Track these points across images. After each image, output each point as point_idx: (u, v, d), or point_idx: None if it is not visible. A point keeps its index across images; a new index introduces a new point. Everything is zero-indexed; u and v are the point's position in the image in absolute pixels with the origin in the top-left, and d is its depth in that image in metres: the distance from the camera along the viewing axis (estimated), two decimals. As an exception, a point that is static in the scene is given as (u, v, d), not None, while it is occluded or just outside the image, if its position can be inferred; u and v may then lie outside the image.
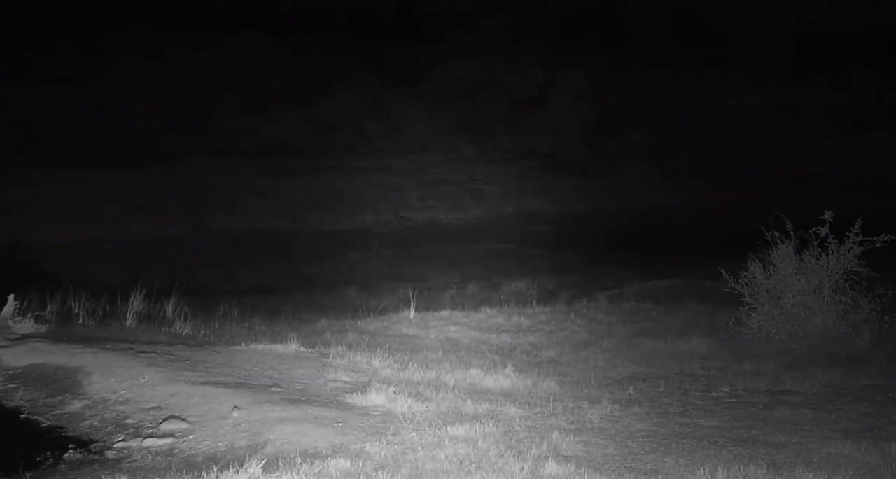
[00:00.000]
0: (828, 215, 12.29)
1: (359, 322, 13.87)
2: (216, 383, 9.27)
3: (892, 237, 12.23)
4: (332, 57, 47.34)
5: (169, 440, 7.94)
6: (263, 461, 6.92)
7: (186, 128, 40.62)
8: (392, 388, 9.28)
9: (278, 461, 6.99)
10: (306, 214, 34.15)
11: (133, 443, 7.94)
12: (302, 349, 11.19)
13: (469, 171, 41.99)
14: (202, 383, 9.24)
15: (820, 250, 12.55)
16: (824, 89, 48.48)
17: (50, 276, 17.70)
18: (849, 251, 12.43)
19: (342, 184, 37.61)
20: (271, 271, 24.82)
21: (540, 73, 48.68)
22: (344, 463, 7.00)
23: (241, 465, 6.84)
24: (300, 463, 6.94)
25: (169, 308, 13.75)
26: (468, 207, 37.75)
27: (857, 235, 12.39)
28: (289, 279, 23.02)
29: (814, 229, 12.50)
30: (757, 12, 50.25)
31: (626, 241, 29.32)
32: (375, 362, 10.60)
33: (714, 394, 10.04)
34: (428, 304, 15.99)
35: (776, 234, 12.67)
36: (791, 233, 12.66)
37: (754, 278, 12.76)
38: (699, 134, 45.60)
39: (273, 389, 9.32)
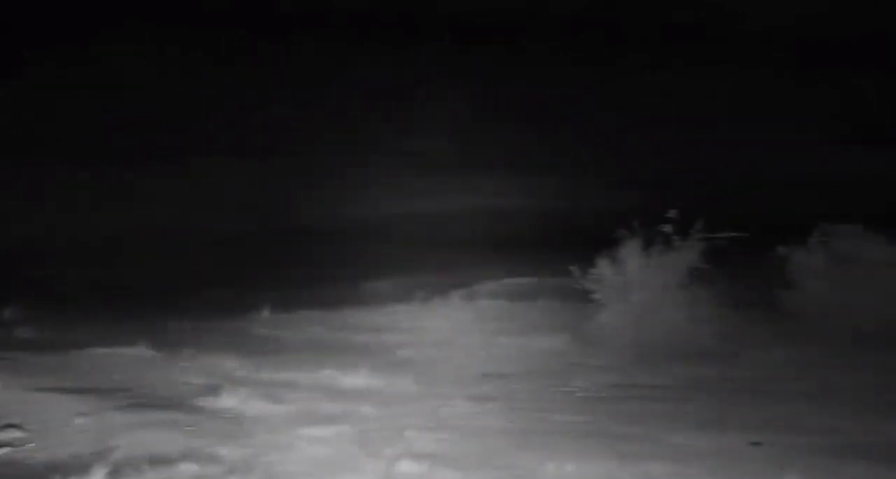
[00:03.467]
0: (673, 213, 12.74)
1: (213, 323, 13.61)
2: (60, 390, 8.94)
3: (733, 235, 12.75)
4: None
5: (5, 450, 7.55)
6: (108, 469, 6.68)
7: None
8: (245, 389, 9.14)
9: (124, 468, 6.76)
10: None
11: (-34, 454, 7.55)
12: (152, 352, 10.91)
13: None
14: (44, 390, 8.89)
15: (666, 247, 12.98)
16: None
17: None
18: (692, 248, 12.90)
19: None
20: (152, 271, 23.87)
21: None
22: (193, 468, 6.82)
23: (85, 473, 6.59)
24: (147, 469, 6.73)
25: (7, 311, 13.16)
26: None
27: (700, 231, 12.86)
28: (159, 280, 22.21)
29: (660, 227, 12.91)
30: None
31: (492, 240, 29.56)
32: (229, 364, 10.43)
33: (566, 389, 10.24)
34: (286, 303, 15.80)
35: (626, 231, 13.02)
36: (639, 231, 13.03)
37: (603, 274, 13.08)
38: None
39: (120, 393, 9.05)
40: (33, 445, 7.66)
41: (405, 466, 6.95)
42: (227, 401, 8.82)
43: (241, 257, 27.48)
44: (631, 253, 13.02)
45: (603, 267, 13.10)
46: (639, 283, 12.97)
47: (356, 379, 10.01)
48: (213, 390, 9.21)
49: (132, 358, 10.57)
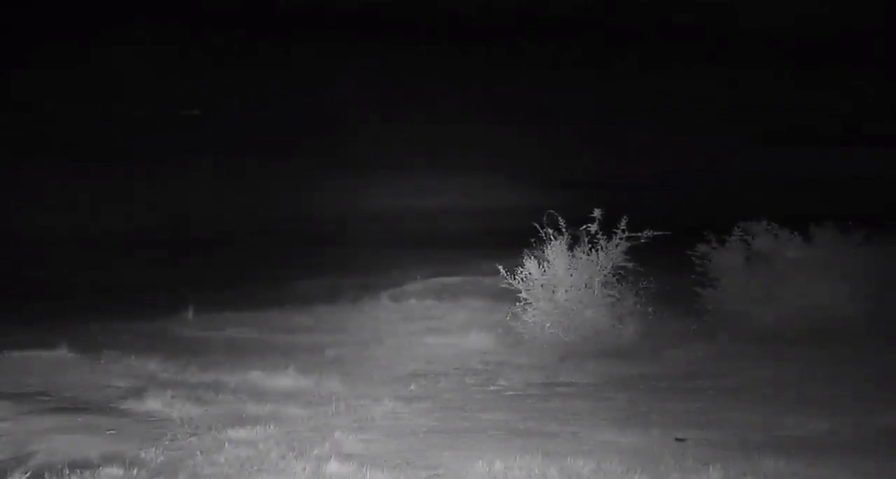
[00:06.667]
0: (597, 213, 12.85)
1: (135, 324, 13.40)
2: (-25, 394, 8.73)
3: (656, 233, 12.91)
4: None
5: (-80, 457, 7.35)
6: (27, 474, 6.54)
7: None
8: (170, 392, 9.03)
9: (44, 474, 6.62)
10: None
11: None
12: (72, 355, 10.71)
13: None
14: (-41, 394, 8.67)
15: (590, 246, 13.08)
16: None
17: None
18: (616, 247, 13.04)
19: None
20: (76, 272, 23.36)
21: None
22: (117, 472, 6.71)
23: (3, 479, 6.45)
24: (68, 474, 6.60)
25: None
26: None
27: (623, 231, 13.01)
28: (81, 283, 21.77)
29: (584, 226, 13.01)
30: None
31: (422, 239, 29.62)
32: (152, 366, 10.29)
33: (493, 388, 10.33)
34: (209, 305, 15.62)
35: (550, 231, 13.09)
36: (564, 230, 13.11)
37: (530, 273, 13.15)
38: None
39: (40, 397, 8.87)
40: (-51, 451, 7.47)
41: (333, 466, 6.93)
42: (152, 404, 8.71)
43: (166, 258, 27.12)
44: (556, 252, 13.09)
45: (529, 266, 13.16)
46: (563, 281, 13.06)
47: (283, 380, 9.96)
48: (137, 392, 9.08)
49: (52, 361, 10.35)
